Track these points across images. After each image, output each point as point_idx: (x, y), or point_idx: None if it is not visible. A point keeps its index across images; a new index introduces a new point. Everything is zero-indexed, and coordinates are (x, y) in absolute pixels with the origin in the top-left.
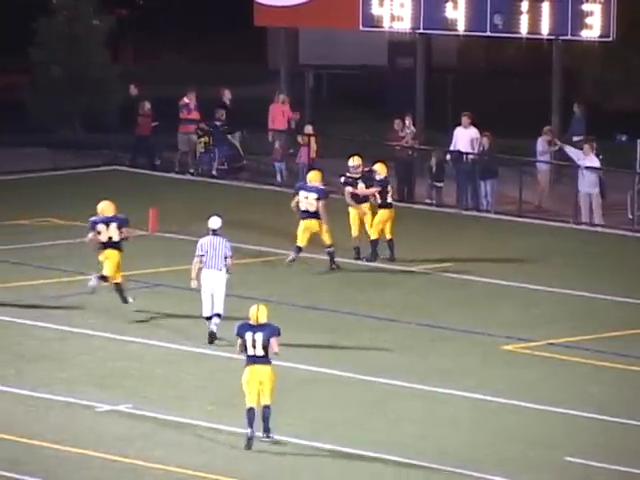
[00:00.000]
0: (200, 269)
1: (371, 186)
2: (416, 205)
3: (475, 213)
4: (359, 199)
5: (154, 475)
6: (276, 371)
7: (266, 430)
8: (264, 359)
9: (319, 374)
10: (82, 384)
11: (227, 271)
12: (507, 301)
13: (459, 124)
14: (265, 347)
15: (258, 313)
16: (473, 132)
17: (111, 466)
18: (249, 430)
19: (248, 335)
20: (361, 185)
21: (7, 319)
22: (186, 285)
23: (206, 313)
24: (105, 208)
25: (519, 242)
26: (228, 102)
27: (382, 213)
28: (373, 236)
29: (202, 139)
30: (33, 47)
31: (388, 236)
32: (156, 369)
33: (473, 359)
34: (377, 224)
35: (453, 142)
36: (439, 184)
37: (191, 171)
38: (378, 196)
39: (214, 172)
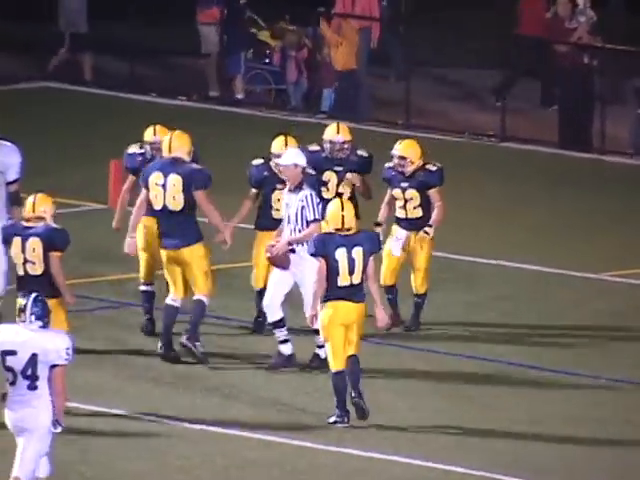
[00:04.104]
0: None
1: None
2: (606, 157)
3: None
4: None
5: None
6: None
7: (355, 389)
8: (358, 290)
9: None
10: None
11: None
12: None
13: None
14: (363, 270)
15: (344, 212)
16: None
17: None
18: (339, 413)
19: (340, 253)
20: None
21: None
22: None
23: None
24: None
25: None
26: None
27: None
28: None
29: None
30: None
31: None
32: (142, 455)
33: None
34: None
35: None
36: None
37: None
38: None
39: (239, 96)
